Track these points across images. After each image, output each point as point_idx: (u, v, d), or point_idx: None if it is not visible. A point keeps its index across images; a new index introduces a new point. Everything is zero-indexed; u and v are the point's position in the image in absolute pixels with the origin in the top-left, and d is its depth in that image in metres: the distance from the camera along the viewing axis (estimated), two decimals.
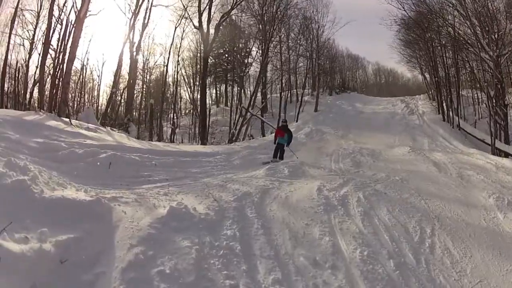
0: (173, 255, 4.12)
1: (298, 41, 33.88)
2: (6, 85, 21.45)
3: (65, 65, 14.92)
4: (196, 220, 5.14)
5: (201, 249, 4.40)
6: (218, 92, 42.43)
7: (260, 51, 29.01)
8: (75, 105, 28.14)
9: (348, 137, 19.09)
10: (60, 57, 15.41)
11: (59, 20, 18.76)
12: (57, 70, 15.08)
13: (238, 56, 33.71)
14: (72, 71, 18.99)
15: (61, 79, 14.79)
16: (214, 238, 4.74)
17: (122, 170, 8.17)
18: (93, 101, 33.49)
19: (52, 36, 17.60)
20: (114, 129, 16.29)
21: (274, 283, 4.01)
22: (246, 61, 32.93)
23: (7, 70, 20.82)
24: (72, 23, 15.99)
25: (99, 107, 31.69)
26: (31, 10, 21.80)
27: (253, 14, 28.41)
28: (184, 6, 23.94)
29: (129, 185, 7.26)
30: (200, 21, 22.55)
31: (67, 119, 12.39)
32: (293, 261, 4.50)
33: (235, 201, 6.32)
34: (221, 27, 24.41)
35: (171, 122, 30.40)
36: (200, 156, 11.89)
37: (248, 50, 33.52)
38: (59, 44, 16.47)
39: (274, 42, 28.92)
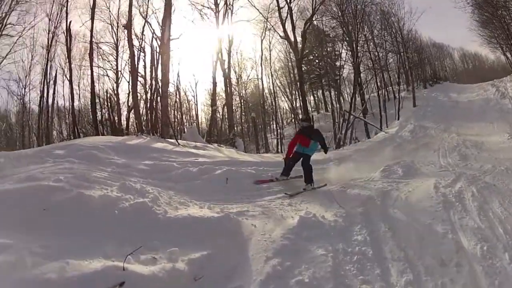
0: (310, 264, 4.21)
1: (383, 37, 33.02)
2: (98, 114, 22.65)
3: (160, 89, 15.65)
4: (327, 228, 5.21)
5: (335, 256, 4.44)
6: (316, 98, 42.52)
7: (350, 52, 28.77)
8: (175, 126, 30.02)
9: (450, 130, 18.08)
10: (153, 82, 16.42)
11: (141, 48, 20.20)
12: (153, 95, 16.03)
13: (329, 60, 33.67)
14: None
15: (158, 103, 15.49)
16: (346, 244, 4.79)
17: (240, 184, 8.08)
18: (191, 120, 35.23)
19: (138, 64, 18.76)
20: (221, 145, 16.59)
21: (406, 285, 4.01)
22: (337, 64, 32.79)
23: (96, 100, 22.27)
24: (157, 50, 16.64)
25: (199, 126, 33.36)
26: (107, 43, 23.90)
27: (333, 16, 28.27)
28: (265, 18, 24.54)
29: (250, 198, 7.22)
30: (285, 31, 22.88)
31: (173, 140, 12.69)
32: (421, 261, 4.42)
33: (359, 206, 6.34)
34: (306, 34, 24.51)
35: (276, 133, 31.06)
36: (313, 163, 12.01)
37: (336, 52, 33.37)
38: (151, 70, 17.37)
39: (360, 42, 28.50)
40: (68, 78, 20.53)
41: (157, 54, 16.40)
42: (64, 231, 4.13)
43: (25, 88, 22.70)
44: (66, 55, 21.47)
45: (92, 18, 19.33)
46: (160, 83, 15.71)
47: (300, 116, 25.88)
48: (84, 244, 3.92)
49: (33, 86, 22.60)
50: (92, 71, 19.25)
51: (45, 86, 22.30)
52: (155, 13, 20.43)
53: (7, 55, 20.79)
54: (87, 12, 20.94)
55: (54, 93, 22.70)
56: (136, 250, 3.75)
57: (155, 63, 16.45)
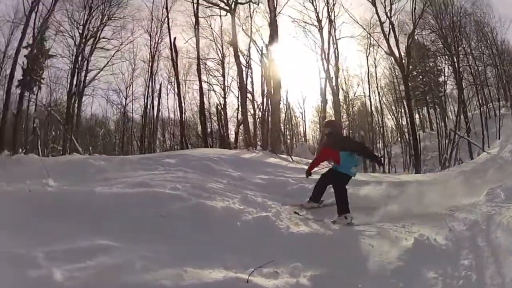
0: (421, 286, 4.19)
1: (480, 49, 30.62)
2: (208, 127, 23.47)
3: (270, 105, 16.10)
4: (437, 251, 5.04)
5: (444, 279, 4.35)
6: (421, 115, 40.65)
7: (451, 68, 27.18)
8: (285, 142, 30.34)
9: None
10: (264, 99, 16.67)
11: (248, 64, 20.79)
12: (263, 110, 16.24)
13: (432, 76, 32.08)
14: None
15: (268, 118, 15.91)
16: (454, 268, 4.64)
17: (355, 202, 7.50)
18: (299, 136, 35.35)
19: (246, 80, 19.50)
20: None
21: None
22: (440, 80, 31.10)
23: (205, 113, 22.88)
24: (264, 66, 17.16)
25: (307, 142, 33.19)
26: (212, 59, 24.57)
27: (431, 29, 26.86)
28: (368, 34, 24.20)
29: (366, 217, 6.90)
30: (389, 46, 22.38)
31: (285, 156, 12.79)
32: None
33: (467, 230, 6.02)
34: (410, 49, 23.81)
35: (382, 152, 30.10)
36: (423, 185, 11.44)
37: (438, 68, 31.69)
38: (261, 86, 17.85)
39: (460, 56, 26.76)
40: (176, 92, 21.61)
41: (265, 70, 16.81)
42: (180, 239, 4.19)
43: (126, 99, 24.47)
44: (171, 70, 23.07)
45: (197, 36, 20.44)
46: (269, 99, 16.03)
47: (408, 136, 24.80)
48: (203, 253, 3.93)
49: (135, 97, 24.40)
50: (201, 86, 20.33)
51: (149, 98, 23.98)
52: (259, 30, 20.99)
53: (104, 67, 22.70)
54: (188, 29, 22.33)
55: (158, 104, 24.32)
56: (267, 264, 3.71)
57: (263, 79, 16.82)
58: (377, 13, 23.01)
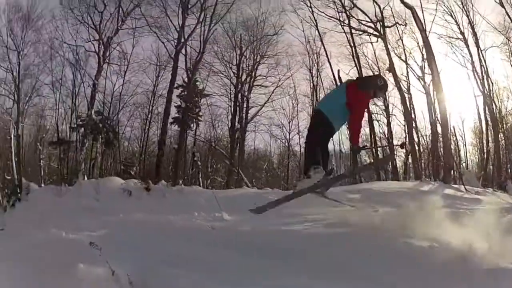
0: None
1: None
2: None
3: (439, 131, 15.27)
4: None
5: None
6: None
7: None
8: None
9: None
10: (431, 125, 15.77)
11: (408, 89, 19.60)
12: (432, 138, 15.37)
13: None
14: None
15: (439, 145, 15.05)
16: None
17: None
18: (459, 161, 32.55)
19: (411, 107, 18.63)
20: (496, 189, 15.00)
21: None
22: None
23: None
24: (427, 89, 16.29)
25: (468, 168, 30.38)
26: None
27: None
28: (506, 39, 21.31)
29: None
30: None
31: (456, 186, 11.93)
32: None
33: None
34: None
35: None
36: None
37: None
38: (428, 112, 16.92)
39: None
40: None
41: (427, 95, 16.08)
42: None
43: (289, 133, 24.83)
44: None
45: (358, 65, 20.37)
46: (437, 125, 15.25)
47: None
48: None
49: (299, 130, 24.34)
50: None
51: None
52: (411, 53, 20.28)
53: (265, 103, 23.32)
54: (343, 59, 21.83)
55: None
56: None
57: (429, 105, 16.04)
58: (507, 14, 20.31)
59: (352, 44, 20.53)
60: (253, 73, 23.41)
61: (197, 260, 3.96)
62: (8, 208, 14.70)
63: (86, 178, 16.59)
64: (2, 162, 21.93)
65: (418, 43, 19.42)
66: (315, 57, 23.46)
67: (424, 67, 19.22)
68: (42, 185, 16.83)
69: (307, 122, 22.47)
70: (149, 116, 23.04)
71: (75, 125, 20.39)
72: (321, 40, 21.79)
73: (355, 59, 20.48)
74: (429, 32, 17.59)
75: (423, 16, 17.67)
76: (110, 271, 3.16)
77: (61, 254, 3.68)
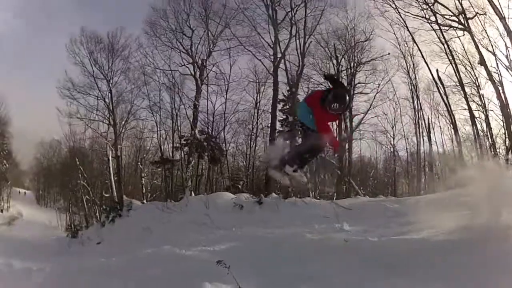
0: None
1: None
2: None
3: None
4: None
5: None
6: None
7: None
8: None
9: None
10: None
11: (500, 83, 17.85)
12: None
13: None
14: None
15: None
16: None
17: None
18: None
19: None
20: None
21: None
22: None
23: None
24: None
25: None
26: (466, 83, 21.42)
27: None
28: None
29: None
30: None
31: None
32: None
33: None
34: None
35: None
36: None
37: None
38: None
39: None
40: (451, 122, 20.11)
41: None
42: None
43: (394, 138, 23.72)
44: (432, 103, 22.09)
45: (454, 63, 18.99)
46: None
47: None
48: None
49: (402, 136, 23.35)
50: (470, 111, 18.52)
51: (419, 136, 22.62)
52: (496, 43, 17.95)
53: (368, 110, 22.57)
54: (434, 57, 20.57)
55: (429, 139, 22.89)
56: None
57: None
58: None
59: (444, 41, 19.19)
60: (353, 81, 22.94)
61: (331, 278, 3.67)
62: (106, 223, 15.98)
63: (193, 194, 17.14)
64: (100, 182, 23.97)
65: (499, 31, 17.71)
66: (410, 59, 22.44)
67: (510, 55, 17.44)
68: (145, 201, 18.25)
69: (414, 126, 22.41)
70: (254, 131, 23.41)
71: (179, 145, 21.28)
72: (414, 40, 20.80)
73: (449, 56, 19.06)
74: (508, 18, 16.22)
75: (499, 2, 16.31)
76: None
77: (180, 271, 3.63)
